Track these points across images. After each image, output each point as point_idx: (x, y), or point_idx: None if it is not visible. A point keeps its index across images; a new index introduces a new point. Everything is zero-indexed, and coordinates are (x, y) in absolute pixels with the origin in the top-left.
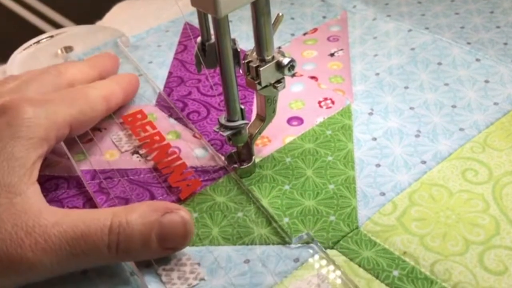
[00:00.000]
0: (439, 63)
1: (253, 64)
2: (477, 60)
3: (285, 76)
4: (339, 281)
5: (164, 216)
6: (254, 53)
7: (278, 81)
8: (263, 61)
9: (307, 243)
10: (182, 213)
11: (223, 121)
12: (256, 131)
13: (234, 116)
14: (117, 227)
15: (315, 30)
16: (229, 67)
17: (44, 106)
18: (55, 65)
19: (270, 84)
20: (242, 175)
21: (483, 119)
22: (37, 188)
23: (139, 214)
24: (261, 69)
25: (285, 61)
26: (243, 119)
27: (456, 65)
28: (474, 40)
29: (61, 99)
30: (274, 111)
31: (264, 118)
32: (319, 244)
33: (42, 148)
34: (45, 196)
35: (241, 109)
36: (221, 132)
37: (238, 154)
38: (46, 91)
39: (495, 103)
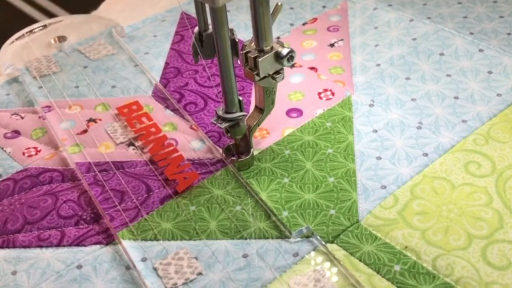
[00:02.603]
0: (441, 54)
1: (252, 55)
2: (480, 50)
3: (284, 67)
4: (339, 276)
5: None
6: (253, 44)
7: (277, 72)
8: (261, 51)
9: (307, 237)
10: None
11: (220, 113)
12: (255, 123)
13: (232, 108)
14: None
15: (314, 20)
16: (227, 57)
17: None
18: None
19: (269, 75)
20: (240, 168)
21: (486, 110)
22: None
23: None
24: (259, 59)
25: (284, 51)
26: (241, 110)
27: (459, 55)
28: (477, 30)
29: None
30: (273, 103)
31: (262, 110)
32: (319, 238)
33: None
34: (39, 189)
35: (239, 101)
36: (218, 124)
37: (236, 147)
38: None
39: (499, 95)
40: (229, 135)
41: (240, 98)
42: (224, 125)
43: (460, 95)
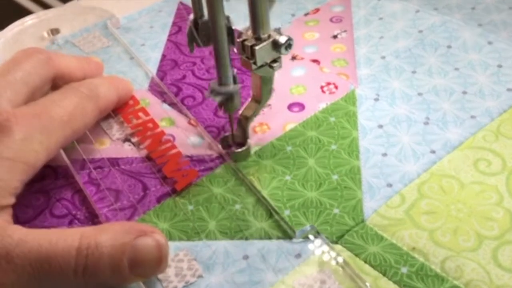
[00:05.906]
0: (449, 46)
1: (248, 43)
2: (489, 43)
3: (282, 56)
4: (345, 277)
5: (137, 239)
6: (249, 32)
7: (274, 61)
8: (258, 39)
9: (311, 237)
10: (157, 237)
11: (214, 86)
12: (252, 113)
13: (226, 81)
14: (85, 249)
15: (317, 10)
16: (222, 43)
17: (39, 128)
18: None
19: (266, 64)
20: (237, 160)
21: (495, 106)
22: (8, 210)
23: (110, 236)
24: (256, 48)
25: (282, 39)
26: (235, 84)
27: (467, 48)
28: (485, 22)
29: (59, 118)
30: (270, 92)
31: (260, 99)
32: (324, 237)
33: (27, 174)
34: (31, 187)
35: (234, 75)
36: (212, 98)
37: (233, 137)
38: (33, 82)
39: (509, 89)
40: (223, 109)
41: (235, 72)
42: (218, 98)
43: (469, 90)
